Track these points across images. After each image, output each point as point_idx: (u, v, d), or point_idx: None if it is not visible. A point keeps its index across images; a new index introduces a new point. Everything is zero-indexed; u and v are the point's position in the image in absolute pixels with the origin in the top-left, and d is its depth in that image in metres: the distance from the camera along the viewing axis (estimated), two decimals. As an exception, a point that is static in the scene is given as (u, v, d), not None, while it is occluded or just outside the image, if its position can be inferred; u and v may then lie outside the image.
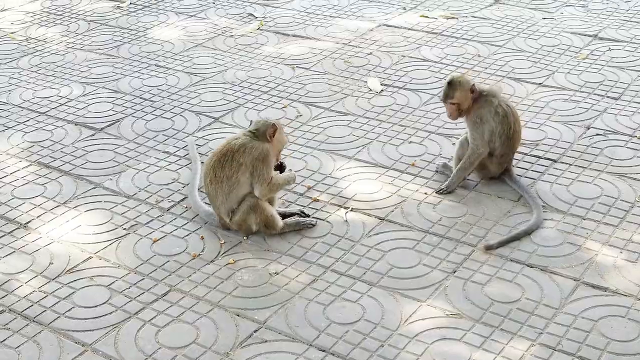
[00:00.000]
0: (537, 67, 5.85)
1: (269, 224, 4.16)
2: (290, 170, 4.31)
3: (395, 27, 6.60)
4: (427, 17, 6.76)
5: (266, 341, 3.53)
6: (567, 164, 4.70)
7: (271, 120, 4.16)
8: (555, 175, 4.59)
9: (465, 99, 4.40)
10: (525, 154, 4.80)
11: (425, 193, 4.49)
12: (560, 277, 3.85)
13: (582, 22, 6.61)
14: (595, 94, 5.46)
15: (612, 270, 3.88)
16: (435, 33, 6.46)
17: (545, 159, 4.76)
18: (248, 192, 4.10)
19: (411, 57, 6.07)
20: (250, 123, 4.25)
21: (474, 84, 4.42)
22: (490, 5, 6.98)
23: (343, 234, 4.19)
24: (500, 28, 6.52)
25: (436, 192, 4.49)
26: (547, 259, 3.96)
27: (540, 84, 5.62)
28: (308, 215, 4.30)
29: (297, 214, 4.30)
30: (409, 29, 6.56)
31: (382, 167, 4.72)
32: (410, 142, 4.97)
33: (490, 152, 4.45)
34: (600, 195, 4.42)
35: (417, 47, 6.22)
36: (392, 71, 5.86)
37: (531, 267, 3.92)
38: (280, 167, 4.24)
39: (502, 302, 3.70)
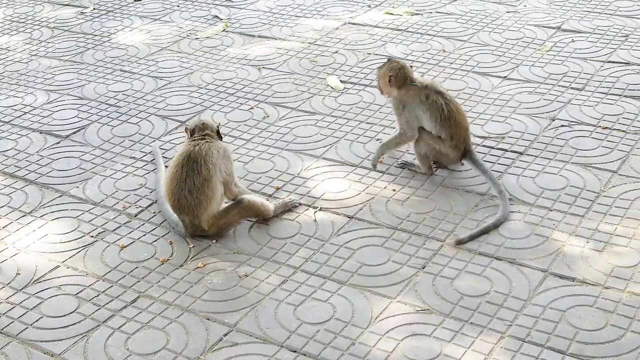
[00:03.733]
0: (502, 61, 5.88)
1: (261, 213, 4.22)
2: None
3: (360, 24, 6.61)
4: (391, 14, 6.77)
5: (237, 344, 3.52)
6: (533, 156, 4.73)
7: (203, 120, 4.27)
8: (522, 168, 4.62)
9: (384, 84, 4.62)
10: (492, 148, 4.82)
11: (394, 190, 4.49)
12: (528, 268, 3.87)
13: (545, 15, 6.64)
14: (559, 86, 5.50)
15: (579, 260, 3.91)
16: (400, 30, 6.47)
17: (512, 151, 4.78)
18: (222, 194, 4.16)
19: (377, 54, 6.08)
20: (186, 130, 4.25)
21: (394, 76, 4.53)
22: (455, 0, 7.00)
23: (312, 234, 4.19)
24: (464, 23, 6.54)
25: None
26: (515, 251, 3.98)
27: (505, 77, 5.65)
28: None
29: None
30: (374, 26, 6.57)
31: (350, 166, 4.72)
32: (378, 139, 4.97)
33: (439, 137, 4.49)
34: (566, 186, 4.45)
35: (383, 44, 6.23)
36: (358, 69, 5.86)
37: (499, 259, 3.94)
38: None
39: (471, 296, 3.72)
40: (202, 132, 4.16)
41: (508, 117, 5.13)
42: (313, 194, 4.49)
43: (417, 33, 6.39)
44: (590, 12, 6.66)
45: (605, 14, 6.60)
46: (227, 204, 4.16)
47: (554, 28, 6.38)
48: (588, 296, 3.69)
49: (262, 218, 4.25)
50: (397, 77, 4.54)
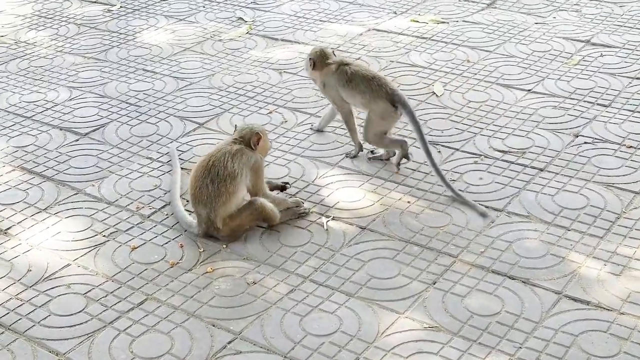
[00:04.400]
0: (527, 73, 5.80)
1: (268, 218, 4.20)
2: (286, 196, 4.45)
3: (385, 31, 6.56)
4: (417, 21, 6.71)
5: (240, 352, 3.49)
6: (553, 172, 4.66)
7: (256, 128, 4.18)
8: (541, 185, 4.55)
9: (309, 70, 4.93)
10: (512, 162, 4.75)
11: (409, 202, 4.44)
12: (541, 289, 3.80)
13: (575, 27, 6.56)
14: (585, 101, 5.41)
15: (595, 283, 3.83)
16: (425, 38, 6.42)
17: (532, 167, 4.71)
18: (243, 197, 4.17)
19: (400, 62, 6.03)
20: (235, 128, 4.26)
21: (313, 59, 4.85)
22: (482, 10, 6.93)
23: (323, 243, 4.15)
24: (491, 33, 6.47)
25: (346, 156, 4.89)
26: (530, 271, 3.92)
27: (529, 90, 5.58)
28: (285, 188, 4.48)
29: (281, 186, 4.47)
30: (399, 33, 6.52)
31: (366, 175, 4.68)
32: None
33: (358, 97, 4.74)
34: (586, 205, 4.38)
35: (407, 52, 6.18)
36: (381, 77, 5.82)
37: (513, 279, 3.87)
38: (283, 188, 4.46)
39: (481, 315, 3.66)
40: (238, 136, 4.18)
41: (530, 132, 5.06)
42: (326, 203, 4.45)
43: (442, 42, 6.33)
44: (621, 26, 6.56)
45: (636, 28, 6.50)
46: (241, 204, 4.14)
47: (582, 41, 6.29)
48: (602, 321, 3.61)
49: (269, 224, 4.23)
50: (317, 59, 4.85)
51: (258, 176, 4.18)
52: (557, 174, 4.64)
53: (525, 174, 4.66)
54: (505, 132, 5.08)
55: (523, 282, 3.85)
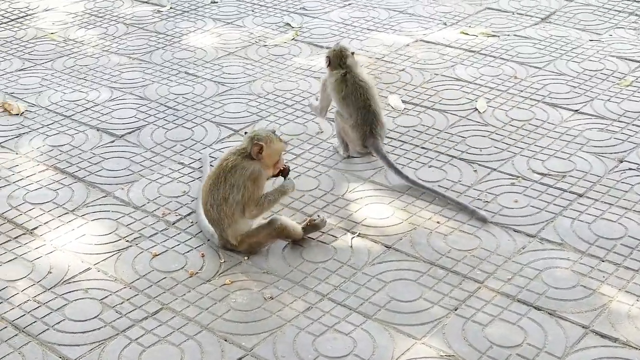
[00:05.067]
0: (576, 93, 5.62)
1: (291, 236, 4.12)
2: (289, 179, 4.16)
3: (432, 43, 6.44)
4: (467, 34, 6.57)
5: (250, 370, 3.43)
6: (592, 199, 4.49)
7: (258, 136, 3.99)
8: (579, 211, 4.38)
9: (326, 65, 4.94)
10: (550, 186, 4.60)
11: (438, 222, 4.32)
12: (568, 322, 3.65)
13: (631, 46, 6.34)
14: (634, 125, 5.22)
15: (625, 319, 3.67)
16: (473, 51, 6.27)
17: (570, 192, 4.54)
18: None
19: (444, 75, 5.90)
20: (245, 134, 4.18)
21: (329, 57, 4.87)
22: (536, 24, 6.75)
23: (346, 261, 4.06)
24: (542, 49, 6.30)
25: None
26: (557, 302, 3.76)
27: (576, 110, 5.40)
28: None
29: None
30: (447, 45, 6.38)
31: (397, 192, 4.57)
32: (430, 166, 4.81)
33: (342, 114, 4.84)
34: (624, 235, 4.20)
35: (452, 65, 6.04)
36: (422, 89, 5.70)
37: (538, 309, 3.73)
38: (283, 172, 4.12)
39: (501, 346, 3.53)
40: (242, 146, 4.04)
41: (573, 155, 4.89)
42: (354, 218, 4.36)
43: (490, 56, 6.18)
44: (679, 47, 6.33)
45: (695, 51, 6.27)
46: (260, 223, 4.07)
47: (638, 61, 6.08)
48: None
49: (293, 240, 4.16)
50: (332, 59, 4.87)
51: (255, 185, 3.97)
52: (597, 200, 4.47)
53: (563, 198, 4.50)
54: (547, 153, 4.92)
55: (549, 313, 3.71)
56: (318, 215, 4.27)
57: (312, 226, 4.19)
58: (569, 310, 3.72)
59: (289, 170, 4.14)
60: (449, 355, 3.49)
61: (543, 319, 3.68)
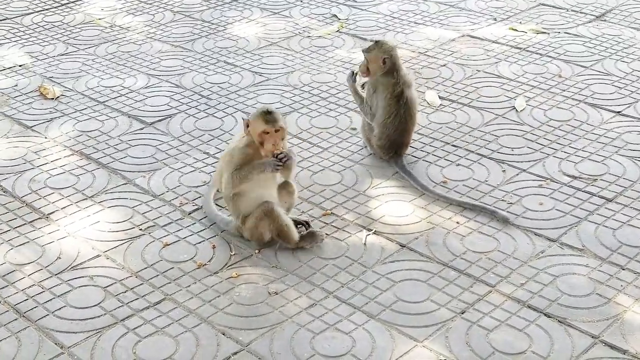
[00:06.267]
0: (620, 94, 5.39)
1: (283, 234, 3.98)
2: (290, 158, 3.88)
3: (479, 38, 6.26)
4: (516, 30, 6.37)
5: (243, 365, 3.38)
6: (622, 204, 4.29)
7: (255, 111, 3.90)
8: (605, 217, 4.19)
9: (375, 62, 4.55)
10: (579, 189, 4.41)
11: (457, 222, 4.19)
12: (577, 331, 3.49)
13: (689, 47, 6.07)
14: (679, 128, 4.99)
15: (637, 330, 3.49)
16: (520, 48, 6.08)
17: (599, 196, 4.35)
18: (253, 192, 3.95)
19: (486, 72, 5.73)
20: None
21: (389, 58, 4.52)
22: (589, 22, 6.51)
23: (357, 258, 3.97)
24: (592, 47, 6.06)
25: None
26: (569, 310, 3.60)
27: (618, 112, 5.18)
28: (309, 226, 4.13)
29: (303, 223, 4.13)
30: (493, 41, 6.20)
31: (419, 190, 4.44)
32: (458, 164, 4.67)
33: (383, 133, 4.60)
34: (650, 243, 4.02)
35: (496, 62, 5.87)
36: (462, 86, 5.55)
37: (548, 316, 3.58)
38: (280, 158, 3.84)
39: (504, 353, 3.39)
40: None
41: (607, 158, 4.69)
42: (372, 215, 4.26)
43: (537, 53, 5.98)
44: None
45: None
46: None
47: (694, 63, 5.81)
48: (635, 374, 3.29)
49: (284, 242, 4.01)
50: (391, 60, 4.54)
51: (231, 159, 3.90)
52: (626, 206, 4.27)
53: (590, 203, 4.32)
54: (581, 155, 4.72)
55: (559, 321, 3.55)
56: (322, 234, 4.08)
57: (309, 236, 4.04)
58: (580, 319, 3.56)
59: (287, 158, 3.87)
60: (448, 360, 3.38)
61: (552, 326, 3.52)
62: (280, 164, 3.84)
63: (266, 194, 3.95)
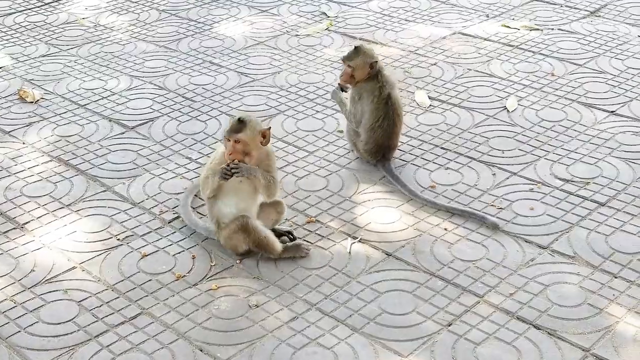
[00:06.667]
0: (615, 93, 5.25)
1: (262, 246, 3.85)
2: (238, 172, 3.69)
3: (470, 36, 6.12)
4: (508, 27, 6.22)
5: (220, 384, 3.25)
6: (615, 209, 4.16)
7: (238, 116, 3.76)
8: (597, 222, 4.06)
9: (362, 68, 4.40)
10: (570, 194, 4.28)
11: (445, 229, 4.06)
12: (567, 344, 3.36)
13: (685, 43, 5.92)
14: (675, 128, 4.85)
15: (630, 343, 3.36)
16: (512, 46, 5.93)
17: (592, 200, 4.22)
18: (227, 200, 3.82)
19: (478, 71, 5.59)
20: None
21: (376, 62, 4.39)
22: (583, 18, 6.36)
23: (341, 268, 3.84)
24: (586, 44, 5.92)
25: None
26: (559, 322, 3.48)
27: (612, 112, 5.04)
28: (294, 238, 3.98)
29: (285, 234, 4.00)
30: (485, 39, 6.06)
31: (407, 196, 4.31)
32: (447, 168, 4.54)
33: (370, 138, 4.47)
34: (643, 250, 3.88)
35: (488, 60, 5.73)
36: (452, 85, 5.41)
37: (538, 328, 3.45)
38: (228, 168, 3.69)
39: (491, 368, 3.28)
40: None
41: (600, 160, 4.55)
42: (357, 222, 4.13)
43: (529, 51, 5.84)
44: None
45: None
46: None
47: (690, 59, 5.67)
48: (628, 390, 3.16)
49: (266, 254, 3.87)
50: (377, 64, 4.41)
51: (209, 163, 3.86)
52: (619, 210, 4.14)
53: (582, 207, 4.18)
54: (573, 157, 4.59)
55: (549, 333, 3.42)
56: (294, 238, 3.99)
57: (293, 248, 3.91)
58: (571, 331, 3.43)
59: (235, 171, 3.67)
60: (434, 377, 3.25)
61: (541, 339, 3.40)
62: (227, 174, 3.69)
63: (242, 205, 3.81)
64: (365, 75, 4.41)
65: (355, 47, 4.46)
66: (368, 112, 4.42)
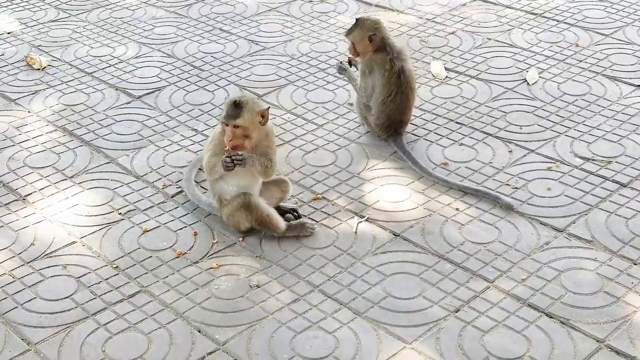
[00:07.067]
0: (641, 65, 5.06)
1: (265, 224, 3.73)
2: (242, 163, 3.55)
3: (492, 3, 5.90)
4: (532, -6, 6.01)
5: (217, 368, 3.14)
6: (637, 190, 3.98)
7: (233, 97, 3.60)
8: (618, 204, 3.89)
9: (361, 42, 4.26)
10: (590, 173, 4.11)
11: (457, 209, 3.91)
12: (580, 334, 3.22)
13: None
14: (703, 104, 4.65)
15: (647, 334, 3.22)
16: (535, 14, 5.72)
17: (613, 181, 4.05)
18: (230, 179, 3.69)
19: (498, 40, 5.40)
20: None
21: (374, 34, 4.21)
22: (611, -14, 6.12)
23: (347, 248, 3.70)
24: (614, 13, 5.69)
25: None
26: (573, 310, 3.33)
27: (638, 86, 4.83)
28: (299, 216, 3.86)
29: (290, 212, 3.87)
30: (507, 6, 5.84)
31: (418, 173, 4.15)
32: (462, 144, 4.38)
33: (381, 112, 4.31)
34: (667, 234, 3.72)
35: (509, 30, 5.52)
36: (470, 56, 5.22)
37: (550, 317, 3.30)
38: (231, 159, 3.54)
39: (499, 358, 3.13)
40: None
41: (624, 137, 4.37)
42: (365, 200, 3.99)
43: (553, 20, 5.62)
44: None
45: None
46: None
47: None
48: (642, 384, 3.02)
49: (270, 231, 3.75)
50: (377, 35, 4.23)
51: (210, 139, 3.72)
52: (640, 192, 3.98)
53: (603, 188, 4.01)
54: (595, 134, 4.41)
55: (561, 322, 3.28)
56: (312, 226, 3.81)
57: (298, 226, 3.78)
58: (585, 320, 3.28)
59: (239, 162, 3.53)
60: (438, 366, 3.12)
61: (553, 328, 3.25)
62: (230, 166, 3.55)
63: (243, 183, 3.68)
64: (368, 48, 4.25)
65: (356, 20, 4.31)
66: (379, 86, 4.26)
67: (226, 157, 3.55)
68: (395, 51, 4.23)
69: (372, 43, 4.23)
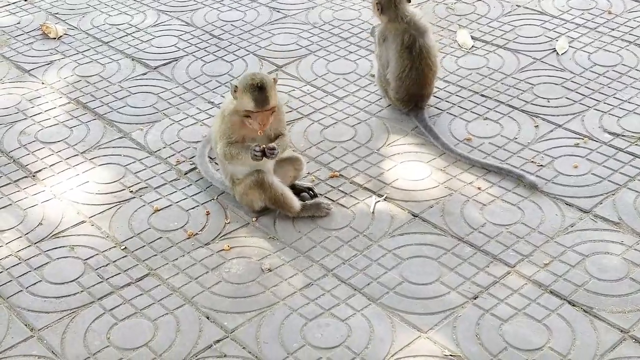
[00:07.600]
0: (677, 34, 4.82)
1: (279, 203, 3.61)
2: (274, 154, 3.44)
3: (522, -32, 5.68)
4: (564, -43, 5.75)
5: (224, 356, 3.04)
6: (668, 168, 3.81)
7: (244, 78, 3.44)
8: (648, 183, 3.73)
9: (373, 6, 4.17)
10: (620, 150, 3.93)
11: (479, 188, 3.76)
12: (604, 324, 3.07)
13: None
14: None
15: (675, 325, 3.07)
16: (567, -21, 5.49)
17: (643, 158, 3.88)
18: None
19: (527, 7, 5.18)
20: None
21: (379, 2, 4.08)
22: (649, -52, 5.85)
23: (363, 230, 3.57)
24: (649, -22, 5.44)
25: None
26: (596, 298, 3.18)
27: (673, 56, 4.63)
28: (315, 195, 3.73)
29: (306, 190, 3.75)
30: (538, -28, 5.62)
31: (439, 149, 4.00)
32: (486, 118, 4.21)
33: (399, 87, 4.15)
34: (700, 215, 3.54)
35: (539, -4, 5.31)
36: (498, 24, 5.02)
37: (573, 305, 3.16)
38: (263, 153, 3.42)
39: (518, 349, 3.00)
40: None
41: (656, 111, 4.18)
42: (384, 178, 3.85)
43: (586, -14, 5.40)
44: None
45: None
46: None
47: None
48: (667, 379, 2.87)
49: (284, 211, 3.64)
50: (384, 4, 4.07)
51: (220, 123, 3.54)
52: (673, 171, 3.79)
53: (632, 166, 3.83)
54: (626, 108, 4.21)
55: (584, 310, 3.13)
56: (316, 195, 3.74)
57: (313, 206, 3.66)
58: (609, 309, 3.13)
59: (271, 152, 3.41)
60: (454, 355, 2.99)
61: (575, 317, 3.11)
62: (259, 157, 3.42)
63: (257, 162, 3.55)
64: (379, 15, 4.11)
65: None
66: (393, 59, 4.09)
67: (257, 150, 3.41)
68: (410, 22, 4.05)
69: (381, 11, 4.07)
